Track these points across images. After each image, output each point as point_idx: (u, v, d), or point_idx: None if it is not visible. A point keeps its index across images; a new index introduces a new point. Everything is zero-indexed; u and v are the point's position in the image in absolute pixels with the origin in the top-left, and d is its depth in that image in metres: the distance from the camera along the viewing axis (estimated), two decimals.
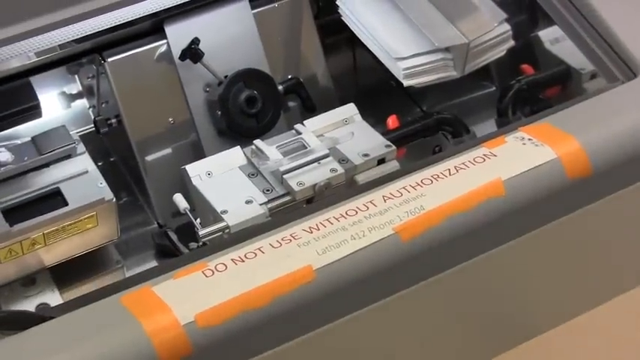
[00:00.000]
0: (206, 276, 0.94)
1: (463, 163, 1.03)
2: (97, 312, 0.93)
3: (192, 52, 1.34)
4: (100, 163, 1.49)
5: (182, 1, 1.31)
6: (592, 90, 1.33)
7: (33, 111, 1.35)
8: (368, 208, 1.01)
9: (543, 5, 1.37)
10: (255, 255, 0.99)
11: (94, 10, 1.10)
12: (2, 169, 1.28)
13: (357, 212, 1.01)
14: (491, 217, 1.00)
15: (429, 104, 1.56)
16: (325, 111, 1.43)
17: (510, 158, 1.03)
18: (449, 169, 1.02)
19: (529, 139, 1.05)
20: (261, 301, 0.96)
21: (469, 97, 1.59)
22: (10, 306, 1.27)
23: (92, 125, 1.46)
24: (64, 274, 1.32)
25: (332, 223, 0.99)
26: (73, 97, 1.51)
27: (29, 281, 1.30)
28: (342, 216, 1.00)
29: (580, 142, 1.06)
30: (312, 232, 1.00)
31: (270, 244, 1.01)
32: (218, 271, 0.94)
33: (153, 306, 0.91)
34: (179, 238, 1.36)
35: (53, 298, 1.29)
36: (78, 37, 1.27)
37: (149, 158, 1.40)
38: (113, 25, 1.29)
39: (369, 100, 1.60)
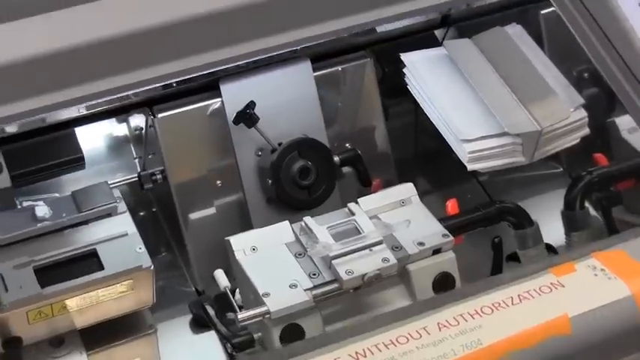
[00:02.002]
0: None
1: (528, 292, 0.95)
2: None
3: (247, 117, 1.28)
4: (141, 213, 1.48)
5: (240, 62, 1.25)
6: None
7: (76, 163, 1.31)
8: (421, 336, 0.93)
9: (618, 94, 1.29)
10: None
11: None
12: (39, 225, 1.23)
13: (408, 340, 0.93)
14: (554, 356, 0.92)
15: (489, 177, 1.50)
16: (382, 179, 1.40)
17: (579, 291, 0.96)
18: (511, 298, 0.95)
19: (601, 270, 0.97)
20: None
21: (534, 174, 1.52)
22: None
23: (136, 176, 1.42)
24: (94, 335, 1.27)
25: (380, 351, 0.92)
26: (119, 144, 1.48)
27: (58, 341, 1.25)
28: (392, 343, 0.93)
29: None
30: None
31: None
32: None
33: None
34: (217, 307, 1.30)
35: None
36: (131, 92, 1.22)
37: (192, 218, 1.35)
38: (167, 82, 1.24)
39: (427, 167, 1.56)
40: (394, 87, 1.43)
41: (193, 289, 1.37)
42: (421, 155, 1.54)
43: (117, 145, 1.47)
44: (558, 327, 0.93)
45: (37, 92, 0.93)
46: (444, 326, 0.91)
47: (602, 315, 0.95)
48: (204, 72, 1.15)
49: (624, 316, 0.96)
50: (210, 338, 1.28)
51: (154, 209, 1.46)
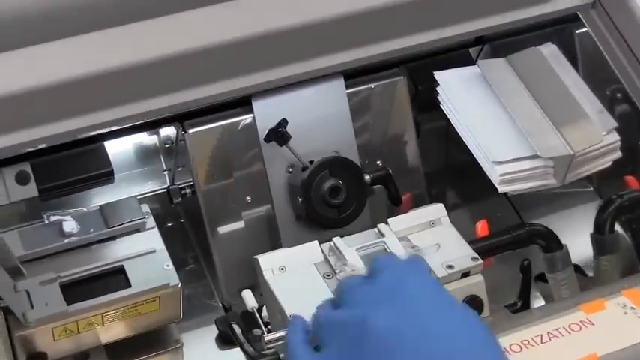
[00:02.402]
0: None
1: (557, 329, 0.94)
2: None
3: (279, 136, 1.27)
4: (169, 224, 1.47)
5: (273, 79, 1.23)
6: None
7: (105, 177, 1.30)
8: None
9: None
10: None
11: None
12: (66, 240, 1.23)
13: None
14: None
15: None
16: (412, 194, 1.39)
17: (609, 330, 0.95)
18: (541, 336, 0.93)
19: (631, 308, 0.96)
20: None
21: (564, 192, 1.50)
22: None
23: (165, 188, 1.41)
24: (120, 350, 1.26)
25: None
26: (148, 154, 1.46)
27: (83, 356, 1.25)
28: None
29: None
30: None
31: None
32: None
33: None
34: (244, 323, 1.29)
35: None
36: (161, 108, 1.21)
37: (220, 233, 1.33)
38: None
39: (458, 184, 1.54)
40: (427, 104, 1.41)
41: (220, 304, 1.36)
42: (452, 172, 1.53)
43: (146, 156, 1.46)
44: None
45: (67, 115, 0.93)
46: None
47: (631, 354, 0.94)
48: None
49: None
50: (236, 355, 1.26)
51: (181, 220, 1.45)
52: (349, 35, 1.09)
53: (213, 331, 1.33)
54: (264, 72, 1.00)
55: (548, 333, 0.95)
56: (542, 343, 0.94)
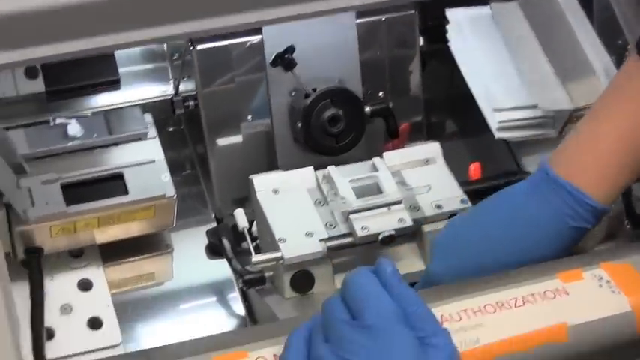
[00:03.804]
0: None
1: (532, 295, 0.96)
2: None
3: (286, 61, 1.29)
4: (170, 129, 1.47)
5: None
6: None
7: (112, 84, 1.33)
8: None
9: None
10: None
11: None
12: (70, 143, 1.26)
13: None
14: None
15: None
16: (410, 123, 1.41)
17: (582, 301, 0.97)
18: (515, 299, 0.95)
19: (607, 282, 0.98)
20: None
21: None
22: (54, 274, 1.26)
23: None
24: (113, 249, 1.30)
25: None
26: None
27: (77, 252, 1.29)
28: None
29: None
30: None
31: None
32: None
33: None
34: (234, 236, 1.33)
35: (97, 274, 1.27)
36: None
37: (219, 145, 1.36)
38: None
39: (458, 122, 1.56)
40: (436, 41, 1.42)
41: (212, 214, 1.39)
42: (454, 108, 1.53)
43: (153, 57, 1.46)
44: (556, 334, 0.94)
45: (77, 36, 0.94)
46: (447, 320, 0.93)
47: (599, 327, 0.96)
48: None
49: (621, 330, 0.97)
50: (224, 266, 1.30)
51: (182, 127, 1.47)
52: None
53: (204, 240, 1.36)
54: (277, 9, 1.00)
55: (522, 297, 0.97)
56: (515, 306, 0.96)
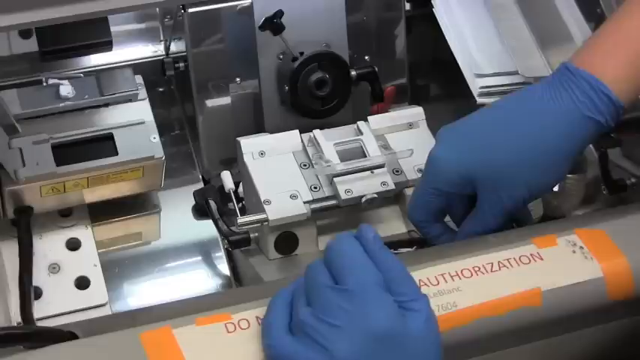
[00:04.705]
0: (228, 331, 0.93)
1: (508, 260, 0.99)
2: (116, 343, 0.91)
3: (274, 25, 1.30)
4: (160, 89, 1.49)
5: None
6: None
7: (104, 46, 1.34)
8: None
9: None
10: None
11: None
12: (62, 104, 1.27)
13: None
14: (522, 325, 0.98)
15: None
16: (396, 94, 1.43)
17: (556, 267, 1.00)
18: (492, 264, 0.99)
19: (580, 248, 1.01)
20: None
21: None
22: (42, 233, 1.29)
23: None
24: (101, 209, 1.33)
25: None
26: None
27: (66, 211, 1.32)
28: None
29: (631, 264, 1.01)
30: None
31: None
32: (241, 328, 0.93)
33: (168, 351, 0.89)
34: (220, 197, 1.35)
35: (85, 234, 1.30)
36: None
37: (207, 106, 1.37)
38: None
39: (441, 91, 1.58)
40: (421, 5, 1.45)
41: (200, 175, 1.42)
42: (437, 71, 1.56)
43: (145, 19, 1.48)
44: (530, 299, 0.98)
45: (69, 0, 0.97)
46: (425, 284, 0.96)
47: (572, 291, 1.00)
48: None
49: (592, 296, 1.00)
50: (210, 227, 1.32)
51: (172, 87, 1.49)
52: None
53: (191, 200, 1.38)
54: None
55: (499, 262, 1.00)
56: (492, 271, 0.99)
